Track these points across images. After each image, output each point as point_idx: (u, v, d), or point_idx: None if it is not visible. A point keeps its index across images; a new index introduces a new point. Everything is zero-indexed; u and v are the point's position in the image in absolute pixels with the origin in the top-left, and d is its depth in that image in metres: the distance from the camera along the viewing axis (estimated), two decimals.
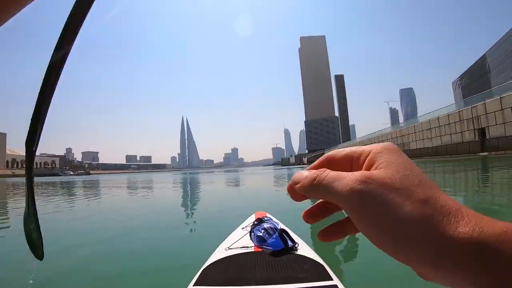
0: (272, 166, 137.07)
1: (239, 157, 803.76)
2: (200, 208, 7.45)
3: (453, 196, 5.00)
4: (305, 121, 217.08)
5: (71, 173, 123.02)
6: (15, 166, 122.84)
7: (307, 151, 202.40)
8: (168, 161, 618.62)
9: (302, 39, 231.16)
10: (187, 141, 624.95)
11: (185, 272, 1.45)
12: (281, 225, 1.71)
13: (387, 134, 45.63)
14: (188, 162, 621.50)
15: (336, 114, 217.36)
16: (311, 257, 1.40)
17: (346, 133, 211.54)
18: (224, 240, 1.75)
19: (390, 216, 0.23)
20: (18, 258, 3.08)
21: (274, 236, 1.52)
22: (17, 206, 8.79)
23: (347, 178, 0.26)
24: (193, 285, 1.18)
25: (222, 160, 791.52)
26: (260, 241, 1.54)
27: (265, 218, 1.79)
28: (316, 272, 1.23)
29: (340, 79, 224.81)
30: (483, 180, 8.80)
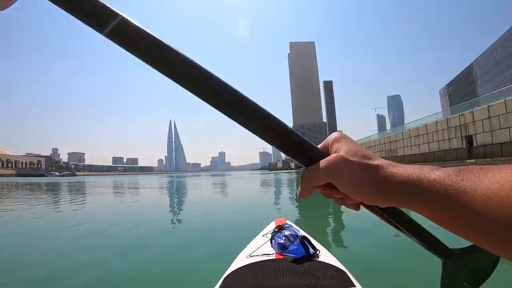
0: (259, 171, 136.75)
1: (226, 161, 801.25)
2: (205, 214, 7.38)
3: None
4: (292, 126, 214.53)
5: (57, 174, 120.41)
6: (0, 165, 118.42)
7: None
8: (155, 164, 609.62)
9: (292, 44, 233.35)
10: (174, 144, 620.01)
11: (205, 280, 1.45)
12: (302, 232, 1.69)
13: (374, 141, 45.81)
14: (175, 166, 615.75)
15: (324, 119, 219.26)
16: (333, 263, 1.38)
17: None
18: (245, 247, 1.73)
19: (352, 175, 0.37)
20: None
21: (295, 243, 1.49)
22: None
23: (326, 161, 0.39)
24: None
25: (209, 164, 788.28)
26: (281, 248, 1.50)
27: (285, 225, 1.78)
28: (339, 279, 1.21)
29: (328, 85, 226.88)
30: None
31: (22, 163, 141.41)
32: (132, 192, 14.91)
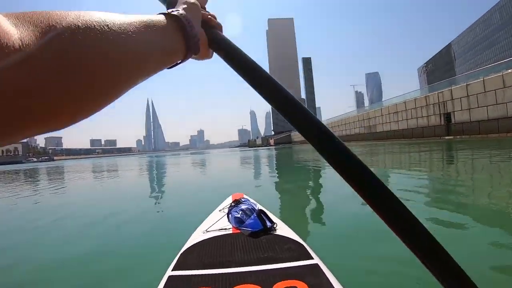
0: (238, 148, 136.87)
1: (205, 139, 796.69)
2: (172, 191, 7.26)
3: (419, 173, 6.73)
4: None
5: (35, 159, 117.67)
6: None
7: (273, 133, 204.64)
8: (134, 145, 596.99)
9: (270, 21, 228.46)
10: (152, 124, 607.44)
11: (163, 256, 1.42)
12: (259, 206, 1.69)
13: (354, 117, 46.39)
14: (154, 145, 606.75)
15: (303, 96, 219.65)
16: (290, 237, 1.38)
17: None
18: (202, 223, 1.71)
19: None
20: None
21: (252, 217, 1.49)
22: None
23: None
24: (172, 270, 1.14)
25: (188, 143, 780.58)
26: (238, 222, 1.50)
27: (243, 200, 1.77)
28: (296, 251, 1.21)
29: (307, 61, 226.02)
30: (448, 160, 9.53)
31: None
32: (104, 175, 14.49)
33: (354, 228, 2.93)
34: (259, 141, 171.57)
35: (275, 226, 1.49)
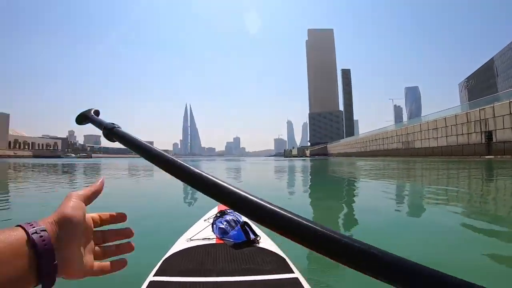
0: (273, 157, 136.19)
1: (241, 146, 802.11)
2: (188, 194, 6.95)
3: (455, 194, 6.33)
4: (309, 114, 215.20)
5: (73, 155, 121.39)
6: (17, 147, 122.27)
7: (309, 144, 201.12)
8: (170, 147, 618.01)
9: (310, 31, 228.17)
10: (189, 128, 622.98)
11: (145, 262, 1.35)
12: (244, 218, 1.68)
13: (391, 131, 45.72)
14: (190, 149, 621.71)
15: (341, 108, 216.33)
16: (272, 250, 1.43)
17: (349, 128, 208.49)
18: (186, 231, 1.76)
19: None
20: None
21: (236, 228, 1.54)
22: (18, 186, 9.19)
23: None
24: (153, 276, 1.18)
25: (224, 149, 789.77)
26: (222, 233, 1.56)
27: (228, 211, 1.78)
28: (277, 264, 1.25)
29: (346, 73, 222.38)
30: (487, 182, 9.04)
31: (38, 144, 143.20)
32: (140, 173, 15.18)
33: None
34: (294, 151, 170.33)
35: (258, 238, 1.53)
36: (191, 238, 1.57)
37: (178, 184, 10.71)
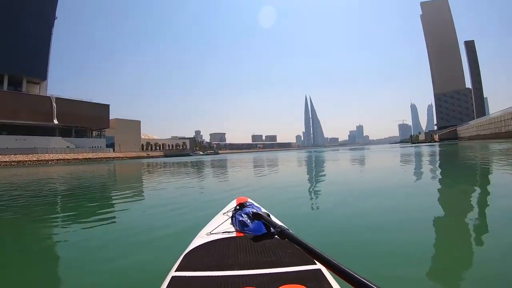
0: (398, 144, 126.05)
1: (364, 135, 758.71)
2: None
3: None
4: (434, 95, 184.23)
5: (201, 153, 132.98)
6: (149, 148, 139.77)
7: (436, 128, 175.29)
8: (293, 140, 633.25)
9: (423, 4, 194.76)
10: (311, 120, 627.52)
11: (166, 258, 1.43)
12: (263, 210, 1.63)
13: None
14: (313, 141, 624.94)
15: (468, 85, 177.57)
16: None
17: (480, 107, 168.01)
18: (205, 225, 1.74)
19: None
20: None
21: (256, 221, 1.44)
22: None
23: None
24: (175, 271, 1.16)
25: (347, 138, 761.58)
26: (242, 226, 1.49)
27: (247, 203, 1.75)
28: (299, 256, 1.21)
29: (470, 45, 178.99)
30: None
31: (168, 145, 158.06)
32: (264, 163, 15.98)
33: (357, 234, 2.93)
34: (421, 137, 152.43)
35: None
36: (211, 232, 1.57)
37: (345, 174, 10.73)
